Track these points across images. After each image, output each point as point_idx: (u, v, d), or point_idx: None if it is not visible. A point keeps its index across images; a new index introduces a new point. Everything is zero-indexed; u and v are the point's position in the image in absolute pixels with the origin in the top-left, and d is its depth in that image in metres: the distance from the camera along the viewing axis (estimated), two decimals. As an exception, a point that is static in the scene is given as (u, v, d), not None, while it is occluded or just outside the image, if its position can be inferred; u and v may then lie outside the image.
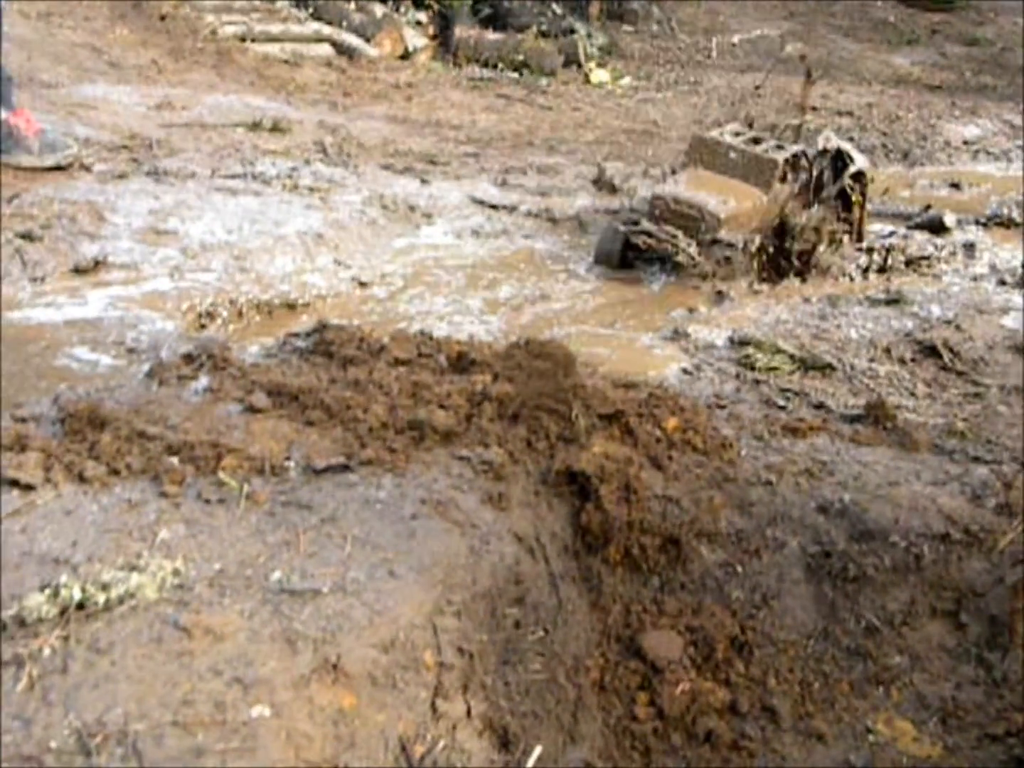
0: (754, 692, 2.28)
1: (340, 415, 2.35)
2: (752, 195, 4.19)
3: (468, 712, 1.84)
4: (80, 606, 1.77)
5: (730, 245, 4.04)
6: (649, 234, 4.05)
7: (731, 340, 3.41)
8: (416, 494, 2.15)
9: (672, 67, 7.83)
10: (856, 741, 2.25)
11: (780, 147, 4.37)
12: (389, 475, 2.20)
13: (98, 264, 3.64)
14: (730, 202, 4.13)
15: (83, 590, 1.78)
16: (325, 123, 5.71)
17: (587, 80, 7.32)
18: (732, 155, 4.27)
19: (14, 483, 2.19)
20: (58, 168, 4.53)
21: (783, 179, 4.26)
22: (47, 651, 1.69)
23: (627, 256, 4.16)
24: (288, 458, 2.22)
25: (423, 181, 4.83)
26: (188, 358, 2.62)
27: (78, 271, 3.59)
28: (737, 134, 4.45)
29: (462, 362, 2.66)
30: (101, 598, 1.78)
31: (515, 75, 7.23)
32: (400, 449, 2.26)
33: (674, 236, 4.02)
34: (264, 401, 2.40)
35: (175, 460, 2.21)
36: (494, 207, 4.63)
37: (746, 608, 2.37)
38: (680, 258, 3.99)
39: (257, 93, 6.32)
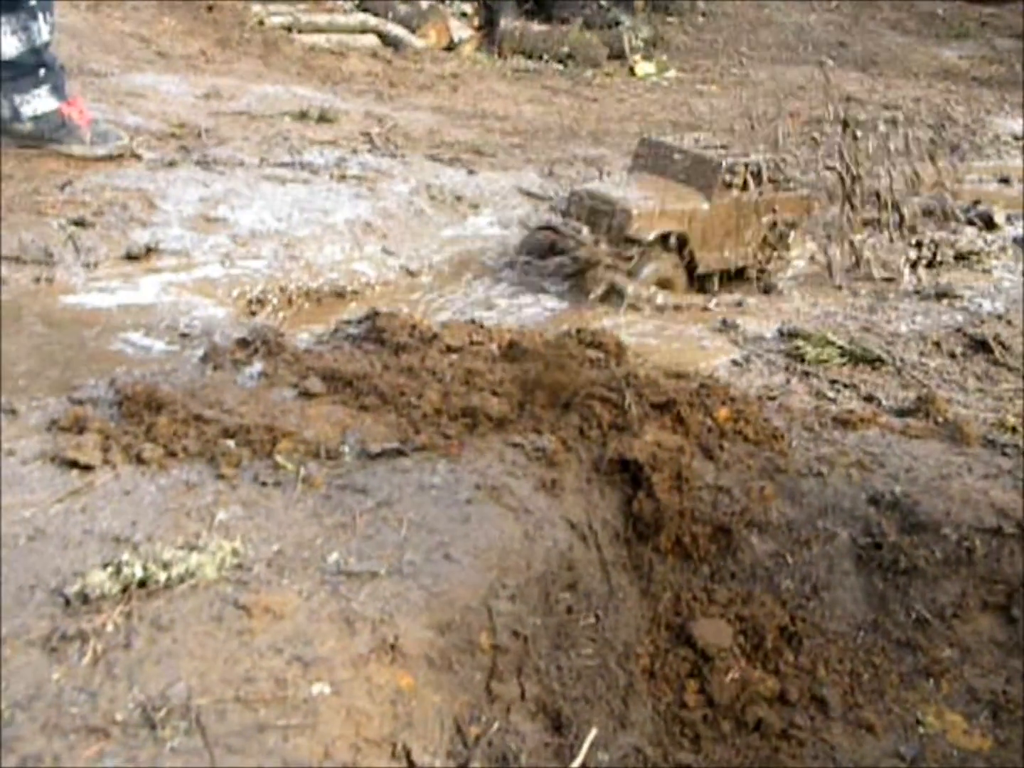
0: (803, 682, 2.28)
1: (394, 401, 2.37)
2: (689, 199, 3.85)
3: (522, 695, 1.86)
4: (142, 584, 1.80)
5: (638, 243, 3.67)
6: (554, 229, 3.84)
7: (780, 332, 3.40)
8: (470, 479, 2.16)
9: (717, 59, 7.81)
10: (906, 732, 2.25)
11: (744, 155, 4.04)
12: (443, 461, 2.22)
13: (150, 251, 3.68)
14: (652, 201, 3.79)
15: (145, 568, 1.81)
16: (371, 113, 5.73)
17: (632, 72, 7.32)
18: (676, 156, 3.97)
19: (73, 464, 2.23)
20: (109, 157, 4.58)
21: (731, 186, 3.89)
22: (110, 627, 1.72)
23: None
24: (343, 443, 2.25)
25: (470, 171, 4.85)
26: (242, 343, 2.65)
27: (130, 257, 3.64)
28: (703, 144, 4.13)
29: (513, 351, 2.67)
30: (162, 576, 1.81)
31: (560, 67, 7.23)
32: (454, 435, 2.28)
33: (577, 231, 3.75)
34: (318, 386, 2.43)
35: (231, 443, 2.24)
36: (540, 198, 4.64)
37: (796, 598, 2.38)
38: (581, 252, 3.70)
39: (304, 83, 6.36)
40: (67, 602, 1.79)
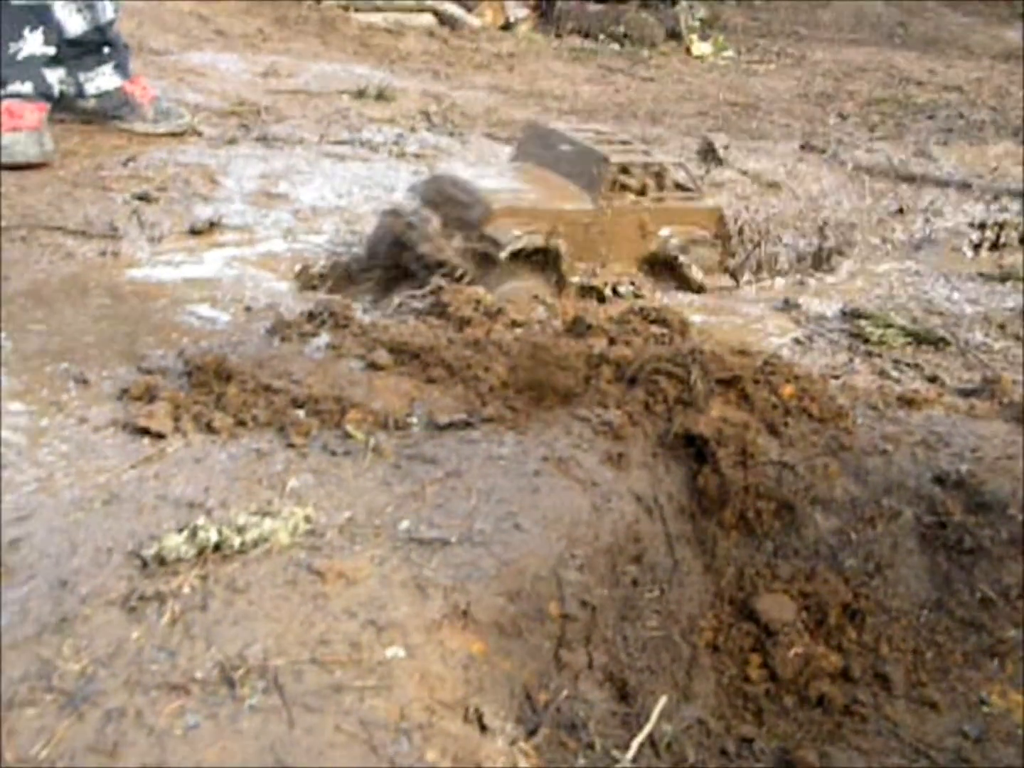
0: (866, 659, 2.28)
1: (461, 373, 2.39)
2: (571, 197, 3.25)
3: (590, 664, 1.88)
4: (216, 548, 1.83)
5: (495, 243, 3.05)
6: (399, 214, 3.24)
7: (842, 312, 3.38)
8: (538, 451, 2.18)
9: (775, 40, 7.76)
10: (969, 711, 2.24)
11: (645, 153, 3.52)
12: (511, 433, 2.24)
13: (213, 225, 3.72)
14: (526, 196, 3.22)
15: (219, 532, 1.84)
16: (429, 92, 5.75)
17: (689, 52, 7.29)
18: (564, 147, 3.37)
19: (145, 431, 2.27)
20: (171, 134, 4.64)
21: (625, 188, 3.32)
22: (187, 589, 1.75)
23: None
24: (411, 414, 2.28)
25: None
26: (310, 316, 2.68)
27: (194, 232, 3.68)
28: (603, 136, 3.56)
29: (577, 326, 2.68)
30: (237, 541, 1.84)
31: (616, 47, 7.22)
32: (521, 408, 2.30)
33: (427, 220, 3.14)
34: (386, 358, 2.45)
35: (301, 413, 2.27)
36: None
37: (859, 576, 2.37)
38: (424, 248, 3.08)
39: (361, 61, 6.39)
40: (144, 564, 1.83)
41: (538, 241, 3.10)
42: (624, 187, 3.32)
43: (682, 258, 3.39)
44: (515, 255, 3.08)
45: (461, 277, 3.00)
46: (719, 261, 3.51)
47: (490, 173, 3.44)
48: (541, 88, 6.14)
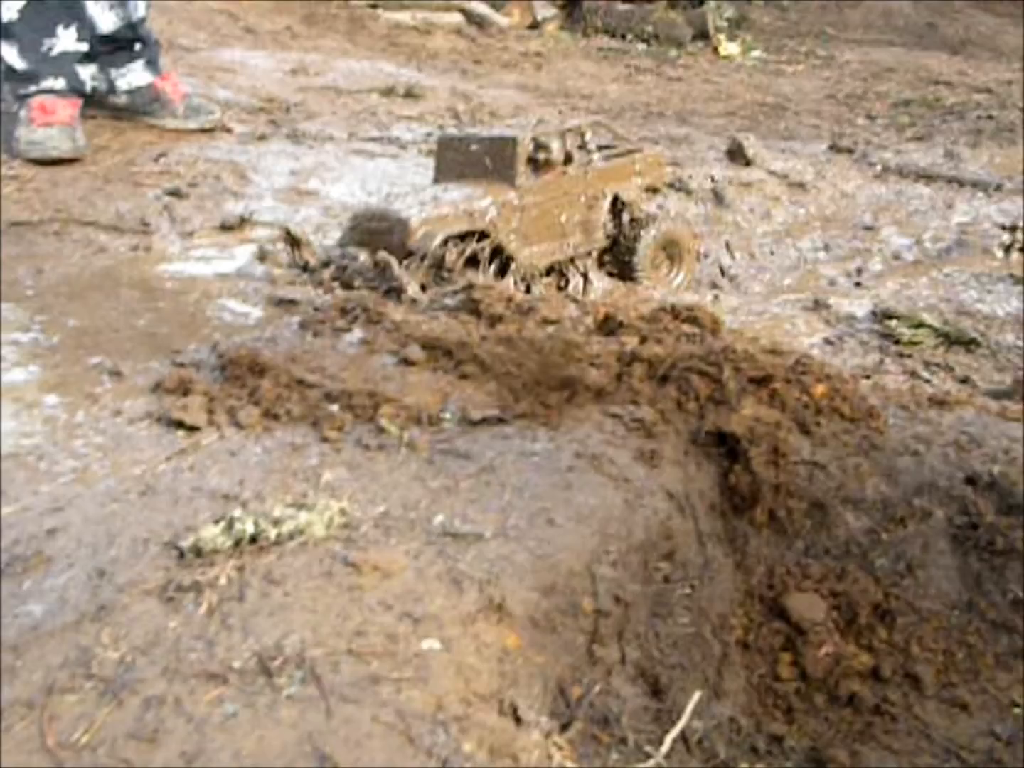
0: (897, 659, 2.27)
1: (493, 370, 2.40)
2: (490, 191, 3.18)
3: (622, 659, 1.88)
4: (253, 539, 1.85)
5: (422, 256, 3.00)
6: (331, 264, 3.20)
7: (873, 313, 3.38)
8: (571, 448, 2.19)
9: (803, 40, 7.75)
10: (1001, 713, 2.23)
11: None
12: (543, 429, 2.24)
13: (243, 221, 3.75)
14: (443, 204, 3.13)
15: (256, 524, 1.86)
16: (457, 90, 5.77)
17: (716, 52, 7.28)
18: (474, 147, 3.28)
19: (179, 424, 2.29)
20: (201, 130, 4.67)
21: (547, 163, 3.24)
22: (223, 580, 1.77)
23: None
24: (444, 409, 2.29)
25: (556, 149, 4.86)
26: (342, 311, 2.69)
27: (225, 227, 3.70)
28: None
29: (608, 324, 2.69)
30: (273, 533, 1.85)
31: (644, 46, 7.22)
32: (553, 405, 2.30)
33: (354, 258, 3.12)
34: (418, 354, 2.46)
35: (334, 407, 2.28)
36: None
37: (890, 576, 2.37)
38: (357, 283, 3.05)
39: (389, 60, 6.42)
40: (181, 555, 1.84)
41: (462, 227, 3.07)
42: (548, 163, 3.25)
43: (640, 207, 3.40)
44: (458, 259, 3.07)
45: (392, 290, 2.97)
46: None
47: (406, 198, 3.29)
48: (569, 87, 6.15)
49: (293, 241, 3.25)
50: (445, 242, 3.04)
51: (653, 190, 3.54)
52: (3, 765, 1.46)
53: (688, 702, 1.90)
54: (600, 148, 3.42)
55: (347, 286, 3.09)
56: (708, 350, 2.44)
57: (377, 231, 3.12)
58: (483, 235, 3.12)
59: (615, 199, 3.40)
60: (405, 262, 3.01)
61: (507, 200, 3.16)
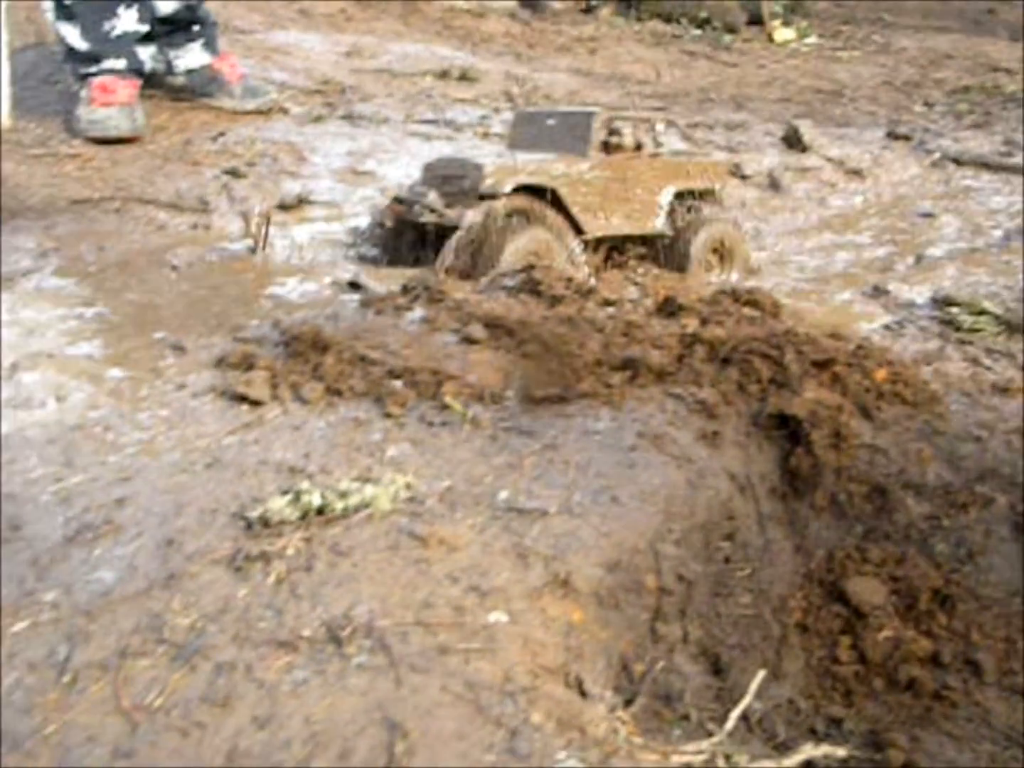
0: (957, 645, 2.26)
1: (555, 349, 2.40)
2: (563, 160, 3.27)
3: (685, 637, 1.89)
4: (320, 512, 1.87)
5: (492, 196, 3.10)
6: (400, 200, 3.33)
7: (933, 299, 3.36)
8: (633, 427, 2.19)
9: (859, 26, 7.68)
10: (1061, 701, 2.22)
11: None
12: (605, 408, 2.25)
13: (302, 201, 3.78)
14: (518, 161, 3.24)
15: (322, 497, 1.88)
16: (511, 74, 5.77)
17: (771, 38, 7.23)
18: (550, 121, 3.43)
19: (243, 398, 2.31)
20: (258, 112, 4.69)
21: (618, 147, 3.33)
22: (291, 551, 1.78)
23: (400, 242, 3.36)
24: (506, 387, 2.30)
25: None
26: (404, 290, 2.71)
27: (283, 207, 3.73)
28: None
29: (668, 306, 2.69)
30: (339, 505, 1.87)
31: (698, 31, 7.18)
32: (615, 385, 2.31)
33: (423, 194, 3.22)
34: (480, 333, 2.47)
35: (398, 384, 2.30)
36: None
37: (950, 562, 2.36)
38: (425, 219, 3.18)
39: (443, 43, 6.42)
40: (248, 526, 1.86)
41: (533, 180, 3.13)
42: (618, 147, 3.35)
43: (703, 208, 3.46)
44: (521, 213, 3.12)
45: (472, 242, 3.06)
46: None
47: (483, 155, 3.50)
48: (623, 72, 6.13)
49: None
50: (516, 191, 3.10)
51: (711, 195, 3.55)
52: (79, 723, 1.49)
53: (748, 682, 1.90)
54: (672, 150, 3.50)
55: (413, 224, 3.20)
56: (770, 333, 2.43)
57: (450, 176, 3.22)
58: (553, 195, 3.17)
59: (676, 194, 3.45)
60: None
61: (579, 168, 3.24)
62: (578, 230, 3.22)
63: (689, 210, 3.47)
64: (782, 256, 3.81)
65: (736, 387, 2.37)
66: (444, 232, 3.14)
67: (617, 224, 3.30)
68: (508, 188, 3.08)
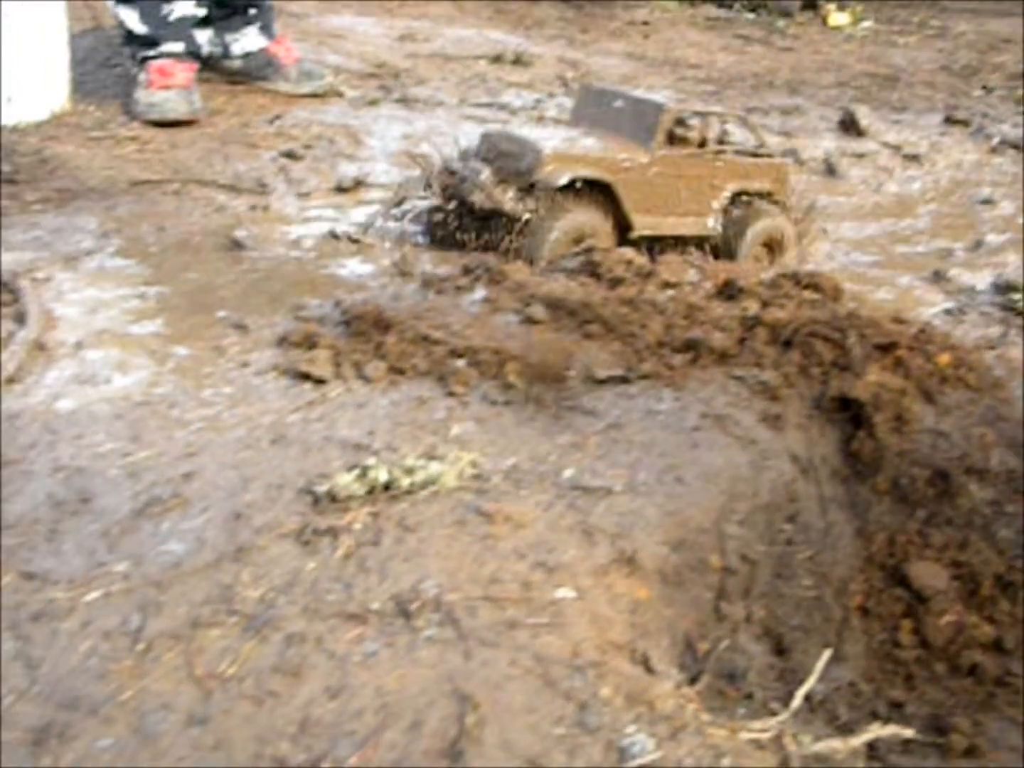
0: (1019, 631, 2.25)
1: (617, 330, 2.41)
2: (625, 148, 3.11)
3: (748, 617, 1.89)
4: (386, 487, 1.88)
5: (548, 189, 2.96)
6: (452, 172, 3.21)
7: (994, 285, 3.32)
8: (696, 408, 2.20)
9: (915, 10, 7.59)
10: None
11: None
12: (668, 389, 2.25)
13: (358, 183, 3.79)
14: (578, 145, 3.12)
15: (389, 473, 1.89)
16: (564, 58, 5.76)
17: (826, 23, 7.16)
18: (617, 104, 3.27)
19: (306, 376, 2.33)
20: (313, 95, 4.72)
21: (684, 141, 3.20)
22: (358, 525, 1.80)
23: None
24: (569, 367, 2.30)
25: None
26: (464, 270, 2.72)
27: (340, 189, 3.75)
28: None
29: (728, 289, 2.68)
30: (405, 481, 1.89)
31: (752, 15, 7.13)
32: (677, 366, 2.31)
33: (477, 172, 3.09)
34: (542, 313, 2.48)
35: (460, 363, 2.31)
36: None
37: (1013, 548, 2.34)
38: (475, 198, 3.05)
39: (496, 27, 6.42)
40: (315, 501, 1.88)
41: (591, 173, 3.00)
42: (683, 140, 3.22)
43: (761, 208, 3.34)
44: (571, 193, 3.01)
45: (515, 222, 2.97)
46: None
47: (543, 132, 3.34)
48: (676, 56, 6.10)
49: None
50: (571, 183, 3.00)
51: (771, 196, 3.42)
52: (153, 690, 1.51)
53: (810, 663, 1.90)
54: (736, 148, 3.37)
55: (459, 199, 3.13)
56: (832, 316, 2.42)
57: (508, 153, 3.10)
58: (607, 188, 3.07)
59: (736, 195, 3.34)
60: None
61: (640, 163, 3.10)
62: (628, 227, 3.13)
63: (740, 205, 3.34)
64: (840, 241, 3.78)
65: (798, 370, 2.37)
66: (491, 213, 3.09)
67: (670, 224, 3.20)
68: (564, 181, 2.98)
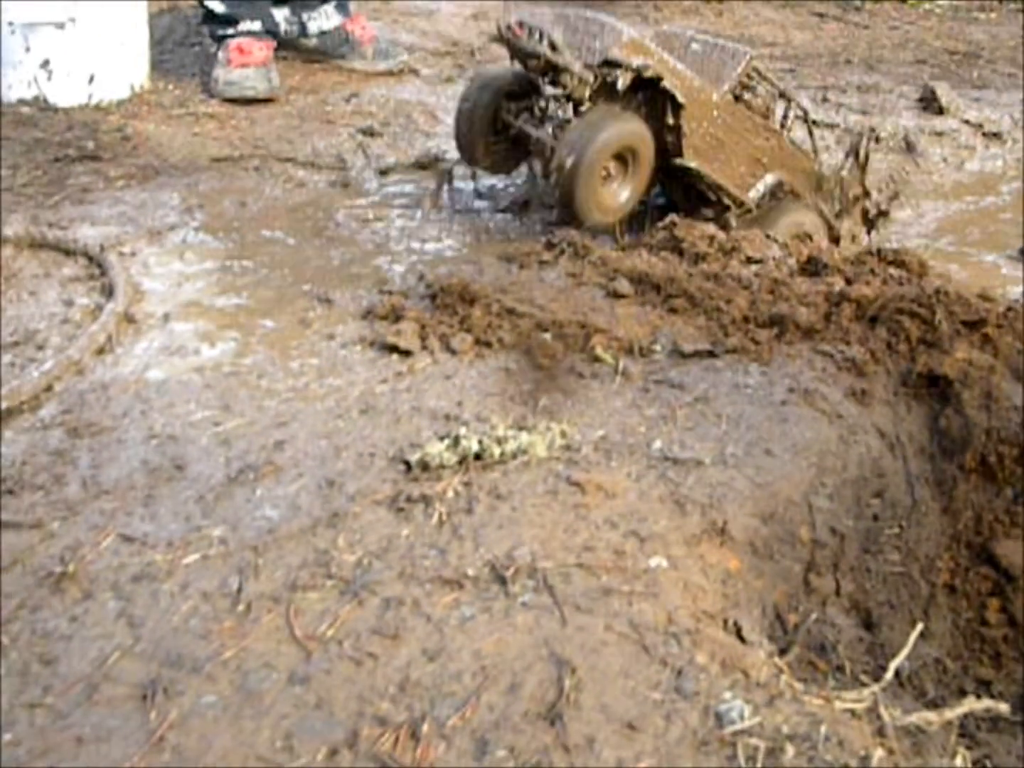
0: (1109, 612, 2.23)
1: (703, 305, 2.41)
2: (692, 78, 2.94)
3: (837, 590, 1.90)
4: (477, 456, 1.91)
5: (626, 68, 2.78)
6: (524, 24, 3.03)
7: (1085, 262, 3.28)
8: (783, 383, 2.19)
9: (997, -14, 7.44)
10: None
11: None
12: (754, 364, 2.25)
13: (437, 160, 3.81)
14: (658, 50, 2.90)
15: (480, 443, 1.92)
16: (638, 36, 5.74)
17: (903, -1, 7.05)
18: (694, 46, 3.13)
19: (393, 349, 2.36)
20: (389, 73, 4.74)
21: (750, 102, 3.08)
22: (451, 493, 1.83)
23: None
24: (655, 341, 2.31)
25: (743, 95, 4.80)
26: (548, 245, 2.73)
27: (420, 166, 3.77)
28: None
29: (812, 265, 2.67)
30: (496, 451, 1.91)
31: (827, -8, 7.04)
32: (763, 341, 2.31)
33: (553, 47, 2.89)
34: (627, 287, 2.49)
35: (546, 336, 2.32)
36: (815, 123, 4.55)
37: (1103, 528, 2.32)
38: (541, 50, 2.88)
39: (569, 4, 6.38)
40: (408, 469, 1.91)
41: (663, 73, 2.82)
42: (747, 104, 3.10)
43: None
44: (630, 98, 2.87)
45: (572, 100, 2.86)
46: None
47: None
48: (751, 34, 6.04)
49: None
50: (643, 68, 2.82)
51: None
52: (255, 650, 1.55)
53: (898, 638, 1.91)
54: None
55: (523, 53, 3.01)
56: (920, 292, 2.40)
57: (585, 30, 2.94)
58: (675, 103, 2.90)
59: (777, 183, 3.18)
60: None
61: (709, 96, 2.95)
62: (676, 152, 2.97)
63: (775, 195, 3.20)
64: (921, 219, 3.75)
65: (885, 346, 2.35)
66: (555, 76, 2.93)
67: (716, 169, 3.03)
68: (635, 64, 2.78)
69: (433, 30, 5.57)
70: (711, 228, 2.80)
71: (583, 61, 2.86)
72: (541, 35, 2.98)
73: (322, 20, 4.70)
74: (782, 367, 2.25)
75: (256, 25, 4.42)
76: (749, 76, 3.10)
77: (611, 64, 2.82)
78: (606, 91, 2.89)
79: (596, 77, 2.86)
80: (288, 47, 4.69)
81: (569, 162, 2.85)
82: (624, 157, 2.93)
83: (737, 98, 3.10)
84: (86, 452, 2.03)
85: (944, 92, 4.75)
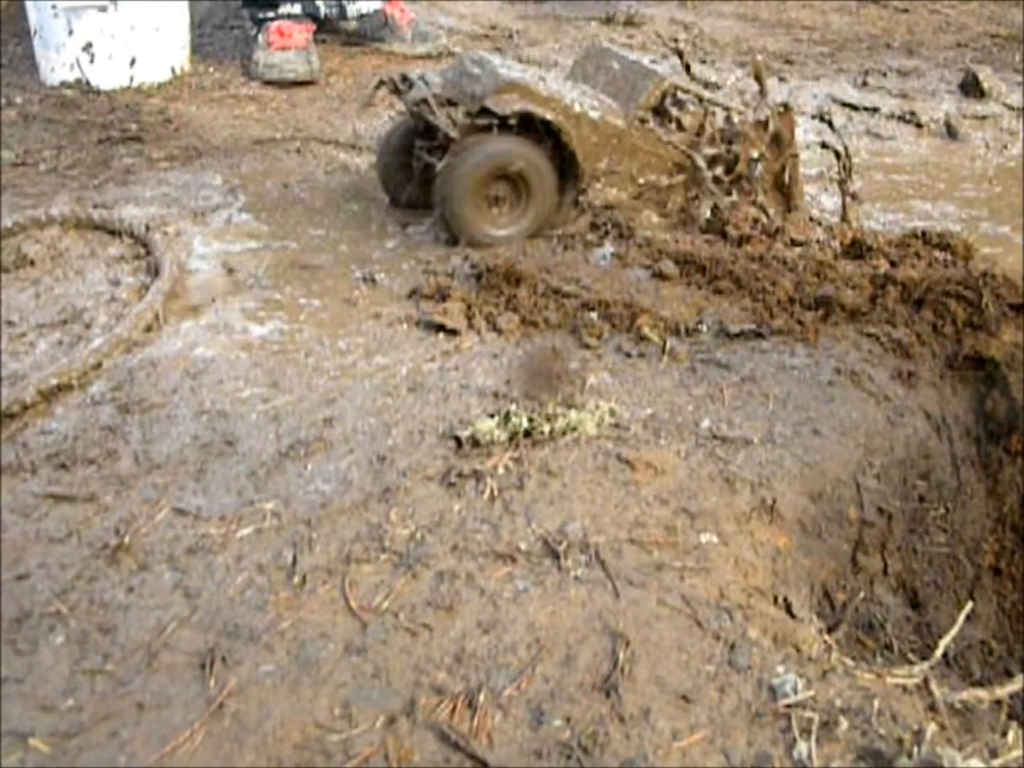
0: None
1: (748, 286, 2.42)
2: (601, 107, 2.87)
3: (884, 570, 1.90)
4: (527, 433, 1.92)
5: (492, 115, 2.73)
6: (406, 79, 2.96)
7: (1125, 248, 3.25)
8: (829, 364, 2.20)
9: (1036, -29, 7.38)
10: None
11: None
12: (800, 345, 2.26)
13: (476, 142, 3.81)
14: (548, 87, 2.83)
15: (530, 420, 1.93)
16: (676, 19, 5.72)
17: (943, -17, 6.99)
18: (615, 65, 3.01)
19: (439, 328, 2.38)
20: (428, 56, 4.75)
21: (671, 121, 2.94)
22: (501, 469, 1.85)
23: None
24: (700, 321, 2.32)
25: (780, 79, 4.79)
26: (592, 227, 2.73)
27: (459, 147, 3.77)
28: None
29: (855, 248, 2.67)
30: (546, 428, 1.92)
31: (866, -24, 6.99)
32: (808, 322, 2.31)
33: (430, 84, 2.86)
34: (672, 269, 2.50)
35: (592, 316, 2.34)
36: (855, 107, 4.54)
37: None
38: (413, 101, 2.83)
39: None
40: (458, 445, 1.93)
41: (534, 112, 2.75)
42: (678, 124, 2.96)
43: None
44: (518, 127, 2.78)
45: (446, 139, 2.77)
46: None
47: (526, 70, 3.00)
48: (790, 18, 6.02)
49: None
50: (519, 116, 2.76)
51: None
52: (311, 621, 1.57)
53: (944, 618, 1.91)
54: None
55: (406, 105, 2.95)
56: (967, 275, 2.40)
57: (470, 74, 2.87)
58: (556, 137, 2.83)
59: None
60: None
61: (608, 123, 2.85)
62: (576, 175, 2.84)
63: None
64: (962, 202, 3.72)
65: (931, 328, 2.35)
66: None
67: (614, 196, 2.86)
68: (508, 112, 2.72)
69: (471, 13, 5.58)
70: (754, 211, 2.80)
71: (464, 108, 2.79)
72: (422, 86, 2.92)
73: (361, 3, 4.72)
74: (828, 348, 2.26)
75: (296, 8, 4.44)
76: (664, 96, 2.96)
77: (485, 112, 2.76)
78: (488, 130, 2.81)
79: (468, 127, 2.79)
80: (327, 30, 4.71)
81: (445, 189, 2.80)
82: (510, 178, 2.80)
83: (661, 114, 2.97)
84: (137, 428, 2.05)
85: (986, 76, 4.72)
